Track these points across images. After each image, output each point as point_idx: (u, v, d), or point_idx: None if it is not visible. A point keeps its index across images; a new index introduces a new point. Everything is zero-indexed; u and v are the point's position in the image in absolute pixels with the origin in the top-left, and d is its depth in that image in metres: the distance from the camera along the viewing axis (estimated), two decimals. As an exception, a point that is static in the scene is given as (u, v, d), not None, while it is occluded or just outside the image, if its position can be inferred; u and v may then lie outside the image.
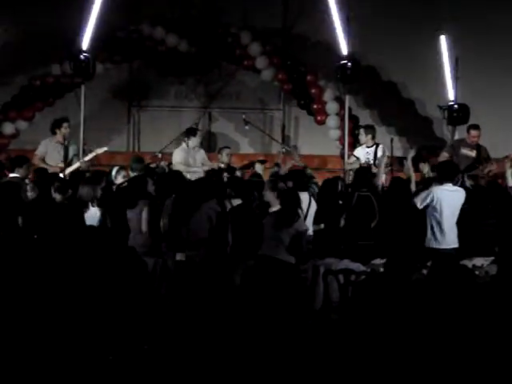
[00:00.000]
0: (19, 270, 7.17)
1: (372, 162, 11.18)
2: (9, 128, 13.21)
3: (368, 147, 11.42)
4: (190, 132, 11.70)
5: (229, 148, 11.95)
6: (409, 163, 9.68)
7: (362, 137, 11.63)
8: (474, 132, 11.10)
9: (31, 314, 6.65)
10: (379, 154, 11.16)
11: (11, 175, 9.52)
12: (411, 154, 9.88)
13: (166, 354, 6.43)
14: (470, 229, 8.64)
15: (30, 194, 8.71)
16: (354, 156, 11.46)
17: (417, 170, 10.13)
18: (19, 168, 9.57)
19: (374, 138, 11.53)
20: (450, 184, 8.64)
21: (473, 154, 10.99)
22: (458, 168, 9.18)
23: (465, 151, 11.03)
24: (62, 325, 6.47)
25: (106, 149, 11.18)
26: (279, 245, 8.05)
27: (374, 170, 10.67)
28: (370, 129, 11.75)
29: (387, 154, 11.19)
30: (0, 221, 8.23)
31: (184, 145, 11.60)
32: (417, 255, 8.07)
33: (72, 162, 10.99)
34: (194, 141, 11.59)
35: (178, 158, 11.48)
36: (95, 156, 11.11)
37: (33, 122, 13.31)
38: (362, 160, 11.31)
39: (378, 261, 8.07)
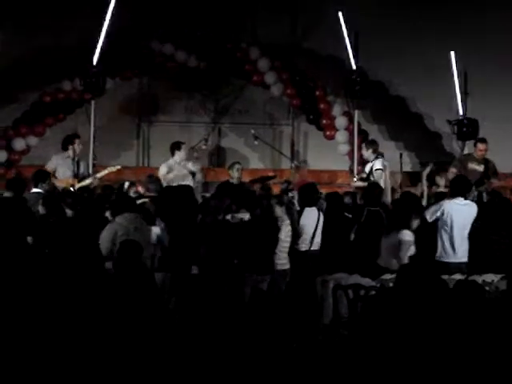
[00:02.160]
0: (29, 284, 7.21)
1: (366, 175, 11.14)
2: (20, 144, 13.27)
3: (371, 162, 11.35)
4: (175, 146, 11.44)
5: (239, 163, 11.95)
6: (423, 179, 9.71)
7: (365, 152, 11.60)
8: (481, 145, 11.09)
9: (38, 322, 6.67)
10: (375, 166, 11.14)
11: (34, 190, 9.51)
12: (427, 170, 9.91)
13: (174, 368, 6.43)
14: (482, 245, 8.62)
15: (40, 210, 8.75)
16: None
17: (431, 185, 10.16)
18: (43, 183, 9.55)
19: (374, 151, 11.40)
20: (462, 198, 8.67)
21: (480, 168, 10.98)
22: (470, 183, 9.19)
23: (472, 166, 11.02)
24: (70, 336, 6.48)
25: (119, 167, 11.20)
26: (383, 251, 8.40)
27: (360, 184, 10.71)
28: (368, 144, 11.70)
29: (379, 166, 11.07)
30: (9, 235, 8.28)
31: (170, 160, 11.41)
32: (427, 269, 8.07)
33: (84, 178, 11.03)
34: (178, 155, 11.34)
35: (160, 172, 11.21)
36: (107, 173, 11.14)
37: (43, 138, 13.36)
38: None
39: (387, 276, 8.07)
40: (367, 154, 11.46)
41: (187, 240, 8.41)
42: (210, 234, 8.45)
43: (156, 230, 8.60)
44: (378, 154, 11.35)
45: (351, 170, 12.47)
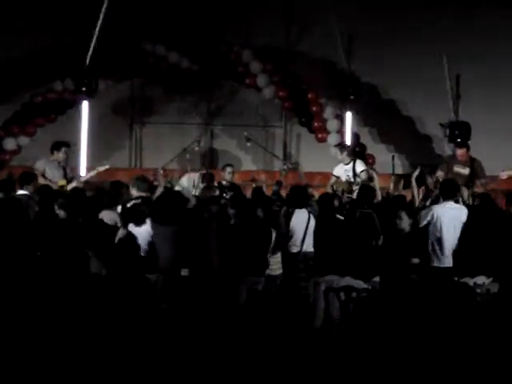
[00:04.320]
0: (22, 287, 7.20)
1: (352, 178, 11.14)
2: (11, 144, 13.26)
3: (346, 164, 11.33)
4: (204, 177, 11.35)
5: (231, 166, 11.95)
6: (413, 181, 9.74)
7: (339, 156, 11.61)
8: (459, 151, 10.93)
9: (30, 323, 6.67)
10: (358, 169, 11.18)
11: (20, 192, 9.50)
12: (416, 172, 9.93)
13: (166, 369, 6.43)
14: (472, 248, 8.63)
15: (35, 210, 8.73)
16: (334, 175, 11.39)
17: (420, 187, 10.17)
18: (27, 185, 9.56)
19: (350, 154, 11.44)
20: (452, 202, 8.69)
21: (466, 171, 10.84)
22: (458, 186, 9.19)
23: (458, 169, 10.91)
24: (65, 339, 6.48)
25: (107, 166, 11.15)
26: None
27: (355, 187, 10.72)
28: (342, 147, 11.74)
29: (363, 168, 11.15)
30: (2, 238, 8.25)
31: (189, 176, 11.36)
32: (416, 273, 8.10)
33: (71, 180, 10.99)
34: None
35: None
36: (96, 173, 11.10)
37: (34, 138, 13.35)
38: (343, 178, 11.23)
39: (379, 278, 8.08)
40: (341, 157, 11.40)
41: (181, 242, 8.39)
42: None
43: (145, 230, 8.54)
44: (355, 157, 11.40)
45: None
